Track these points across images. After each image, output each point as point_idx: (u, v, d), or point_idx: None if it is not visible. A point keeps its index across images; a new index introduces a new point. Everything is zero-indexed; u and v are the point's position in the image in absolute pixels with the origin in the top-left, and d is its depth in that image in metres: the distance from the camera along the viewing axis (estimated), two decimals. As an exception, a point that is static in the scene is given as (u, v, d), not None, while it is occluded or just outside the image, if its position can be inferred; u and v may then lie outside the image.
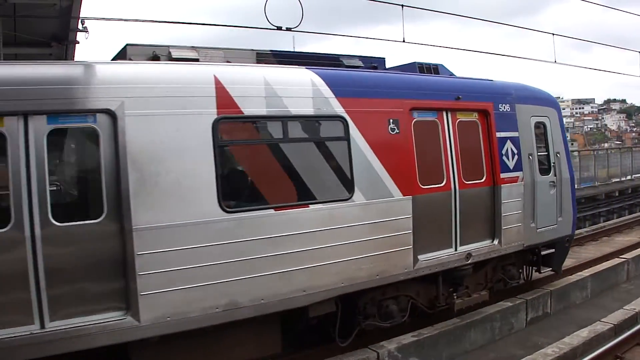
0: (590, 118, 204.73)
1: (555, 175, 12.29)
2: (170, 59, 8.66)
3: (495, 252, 11.05)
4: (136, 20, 11.77)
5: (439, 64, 11.69)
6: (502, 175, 11.04)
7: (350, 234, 8.92)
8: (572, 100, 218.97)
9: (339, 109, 9.03)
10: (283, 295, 8.28)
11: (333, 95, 9.02)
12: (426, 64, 11.46)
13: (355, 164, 9.08)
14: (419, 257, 9.78)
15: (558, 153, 12.45)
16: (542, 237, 12.01)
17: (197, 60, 8.77)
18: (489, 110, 11.06)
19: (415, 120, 9.96)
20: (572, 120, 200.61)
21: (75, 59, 17.63)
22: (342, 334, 9.55)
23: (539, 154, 12.08)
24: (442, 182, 10.25)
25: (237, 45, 9.95)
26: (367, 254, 9.10)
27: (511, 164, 11.26)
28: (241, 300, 7.94)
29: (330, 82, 9.09)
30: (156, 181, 7.40)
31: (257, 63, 9.45)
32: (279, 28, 11.47)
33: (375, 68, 10.96)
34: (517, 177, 11.37)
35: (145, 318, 7.24)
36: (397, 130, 9.58)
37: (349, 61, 10.58)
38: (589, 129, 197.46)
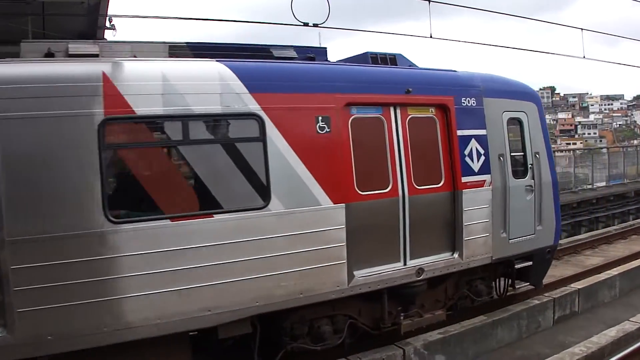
0: (620, 114, 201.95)
1: (532, 179, 11.04)
2: (67, 55, 7.74)
3: (455, 267, 9.86)
4: (160, 17, 11.82)
5: (397, 54, 10.36)
6: (464, 179, 9.84)
7: (265, 247, 7.88)
8: (601, 96, 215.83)
9: (253, 106, 7.98)
10: (184, 315, 7.38)
11: (246, 91, 7.97)
12: (381, 53, 10.13)
13: (273, 168, 8.02)
14: (356, 272, 8.67)
15: (537, 153, 11.15)
16: (516, 248, 10.77)
17: (97, 55, 7.81)
18: (448, 105, 9.79)
19: (353, 117, 8.82)
20: (601, 116, 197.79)
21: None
22: (270, 355, 8.67)
23: (513, 154, 10.87)
24: (387, 187, 9.07)
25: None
26: (288, 269, 8.04)
27: (476, 166, 10.04)
28: (133, 319, 7.11)
29: (243, 76, 8.01)
30: (33, 189, 6.74)
31: (170, 56, 8.48)
32: (306, 24, 11.43)
33: (312, 59, 9.58)
34: (484, 181, 10.14)
35: (22, 336, 6.59)
36: (327, 129, 8.45)
37: (279, 52, 9.28)
38: (617, 125, 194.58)
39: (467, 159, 9.93)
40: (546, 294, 11.80)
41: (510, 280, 11.59)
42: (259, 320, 8.21)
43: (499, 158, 10.45)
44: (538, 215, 11.09)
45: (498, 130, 10.53)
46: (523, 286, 12.11)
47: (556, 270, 15.00)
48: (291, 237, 8.10)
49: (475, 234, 10.00)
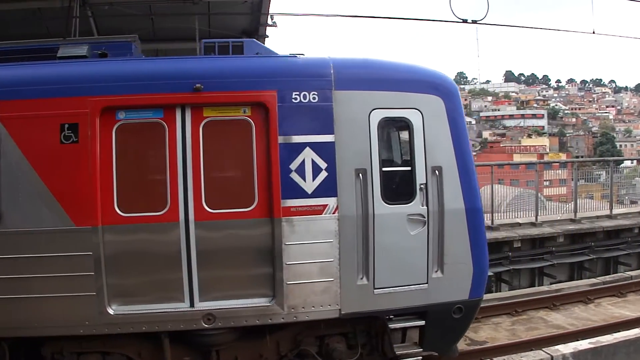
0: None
1: (425, 205, 8.10)
2: None
3: (272, 318, 7.76)
4: (321, 15, 11.98)
5: (248, 40, 8.80)
6: (288, 203, 7.68)
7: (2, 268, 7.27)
8: None
9: None
10: None
11: None
12: (221, 41, 8.55)
13: (4, 183, 7.28)
14: (114, 308, 7.47)
15: (437, 169, 8.12)
16: (388, 302, 8.05)
17: None
18: (267, 102, 7.70)
19: (120, 123, 7.57)
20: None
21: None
22: None
23: (387, 169, 8.19)
24: (163, 209, 7.56)
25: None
26: (26, 295, 7.31)
27: (310, 185, 7.75)
28: None
29: None
30: None
31: None
32: (464, 21, 11.18)
33: (104, 56, 8.23)
34: (324, 205, 7.78)
35: None
36: (74, 139, 7.35)
37: (67, 51, 8.17)
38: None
39: (295, 176, 7.71)
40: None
41: (381, 345, 8.59)
42: (9, 343, 7.64)
43: (358, 175, 7.88)
44: (436, 258, 8.14)
45: (359, 135, 7.95)
46: (413, 351, 8.46)
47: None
48: (29, 260, 7.28)
49: (308, 278, 7.77)
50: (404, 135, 8.30)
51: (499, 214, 20.55)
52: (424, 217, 8.06)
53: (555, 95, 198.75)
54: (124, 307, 7.50)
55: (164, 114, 7.60)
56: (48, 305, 7.30)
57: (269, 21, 17.13)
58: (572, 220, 20.60)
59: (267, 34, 17.83)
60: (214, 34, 17.20)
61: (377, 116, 7.99)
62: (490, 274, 17.00)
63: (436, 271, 8.13)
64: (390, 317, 8.20)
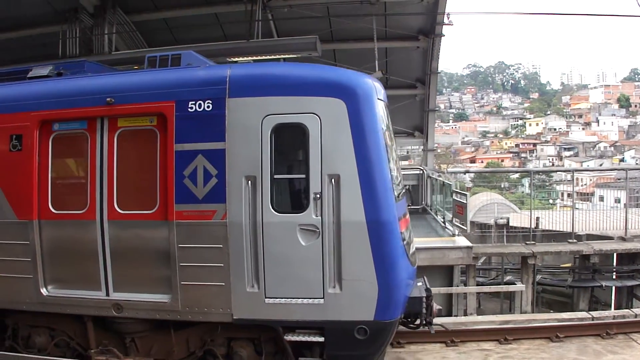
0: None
1: (318, 216, 7.65)
2: None
3: (169, 314, 8.09)
4: (499, 12, 11.68)
5: (185, 52, 8.87)
6: (180, 207, 7.88)
7: None
8: None
9: None
10: None
11: None
12: (162, 55, 8.87)
13: None
14: (48, 290, 8.52)
15: (334, 177, 7.62)
16: (281, 312, 7.82)
17: None
18: (165, 113, 7.99)
19: (55, 133, 8.55)
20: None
21: (441, 51, 18.46)
22: None
23: (279, 177, 7.89)
24: (84, 208, 8.34)
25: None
26: None
27: (201, 191, 7.85)
28: None
29: None
30: None
31: None
32: None
33: (60, 75, 9.22)
34: (213, 211, 7.81)
35: None
36: (19, 147, 8.58)
37: (35, 72, 9.25)
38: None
39: (188, 182, 7.86)
40: None
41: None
42: None
43: (247, 182, 7.74)
44: (333, 272, 7.64)
45: (250, 142, 7.80)
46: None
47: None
48: None
49: (200, 280, 7.92)
50: (302, 141, 7.78)
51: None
52: (317, 229, 7.61)
53: None
54: (55, 290, 8.53)
55: (88, 125, 8.40)
56: (1, 283, 8.70)
57: (445, 20, 17.07)
58: None
59: (443, 32, 17.78)
60: (390, 34, 17.51)
61: (270, 122, 7.75)
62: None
63: (333, 287, 7.62)
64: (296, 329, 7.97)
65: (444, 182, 16.79)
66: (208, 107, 7.84)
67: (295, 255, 7.64)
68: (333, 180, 7.53)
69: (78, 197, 8.41)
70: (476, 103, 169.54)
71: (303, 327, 7.82)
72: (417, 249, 12.22)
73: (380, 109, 7.97)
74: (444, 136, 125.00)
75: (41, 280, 8.48)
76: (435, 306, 8.85)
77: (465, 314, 13.65)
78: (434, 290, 12.67)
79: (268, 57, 15.06)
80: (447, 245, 13.16)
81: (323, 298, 7.60)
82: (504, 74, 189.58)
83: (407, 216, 8.72)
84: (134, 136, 8.30)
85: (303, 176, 7.71)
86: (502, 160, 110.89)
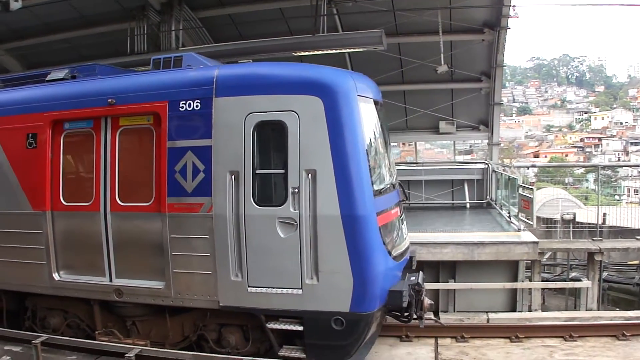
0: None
1: (296, 209, 7.94)
2: None
3: (163, 300, 8.73)
4: (567, 5, 11.55)
5: (186, 54, 9.43)
6: (172, 200, 8.46)
7: None
8: None
9: None
10: None
11: None
12: (166, 57, 9.53)
13: None
14: (60, 275, 9.36)
15: (312, 172, 7.88)
16: (262, 301, 8.19)
17: None
18: (159, 112, 8.62)
19: (66, 132, 9.39)
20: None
21: (506, 44, 18.22)
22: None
23: (262, 172, 8.21)
24: (91, 200, 9.10)
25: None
26: (4, 258, 9.65)
27: (190, 185, 8.39)
28: None
29: None
30: None
31: None
32: None
33: (74, 78, 9.97)
34: (200, 204, 8.33)
35: None
36: (34, 145, 9.42)
37: (52, 75, 10.04)
38: None
39: (178, 176, 8.44)
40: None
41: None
42: (3, 293, 10.09)
43: (231, 177, 8.19)
44: (310, 264, 7.93)
45: (234, 139, 8.22)
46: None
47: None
48: (8, 234, 9.55)
49: (190, 268, 8.49)
50: (281, 137, 8.09)
51: None
52: (295, 222, 7.94)
53: None
54: (66, 275, 9.33)
55: (94, 124, 9.13)
56: (17, 267, 9.56)
57: (511, 12, 16.85)
58: None
59: (508, 25, 17.54)
60: (455, 27, 17.41)
61: (252, 120, 8.15)
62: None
63: (311, 278, 7.94)
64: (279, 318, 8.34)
65: (509, 176, 16.62)
66: (197, 106, 8.38)
67: (275, 246, 8.03)
68: (310, 175, 7.86)
69: (85, 190, 9.17)
70: (540, 96, 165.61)
71: (284, 315, 8.20)
72: (481, 243, 12.69)
73: (363, 107, 8.26)
74: (506, 130, 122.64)
75: (54, 266, 9.32)
76: (427, 301, 9.01)
77: (530, 310, 13.50)
78: (498, 285, 12.85)
79: (333, 51, 15.21)
80: (513, 240, 12.96)
81: (301, 288, 7.97)
82: (569, 67, 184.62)
83: (395, 210, 8.99)
84: (133, 134, 9.00)
85: (282, 171, 8.05)
86: (566, 155, 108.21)
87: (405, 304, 8.24)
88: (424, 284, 9.38)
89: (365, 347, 8.72)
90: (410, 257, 9.77)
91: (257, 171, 8.14)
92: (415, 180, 20.75)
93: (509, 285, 13.14)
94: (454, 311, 13.03)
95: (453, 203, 20.81)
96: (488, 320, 11.95)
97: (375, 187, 8.18)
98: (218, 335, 8.87)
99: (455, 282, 13.18)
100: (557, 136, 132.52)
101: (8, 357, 8.53)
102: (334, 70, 8.47)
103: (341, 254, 7.77)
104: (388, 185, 8.96)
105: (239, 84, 8.36)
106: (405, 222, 9.76)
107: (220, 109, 8.27)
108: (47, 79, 10.00)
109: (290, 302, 8.05)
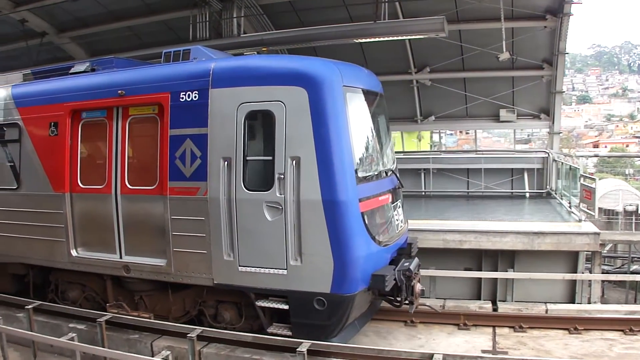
0: None
1: (282, 194, 8.38)
2: None
3: (165, 276, 9.45)
4: None
5: (193, 47, 10.04)
6: (172, 184, 9.11)
7: (17, 217, 10.68)
8: None
9: (17, 117, 10.76)
10: None
11: (15, 106, 10.82)
12: (176, 50, 10.13)
13: (23, 161, 10.67)
14: (78, 252, 10.17)
15: (296, 159, 8.31)
16: (251, 280, 8.74)
17: None
18: (162, 102, 9.26)
19: (84, 121, 10.17)
20: None
21: (569, 31, 17.82)
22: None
23: (252, 159, 8.73)
24: (104, 183, 9.87)
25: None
26: (32, 236, 10.51)
27: (188, 170, 9.01)
28: None
29: (15, 95, 10.90)
30: None
31: (24, 81, 11.59)
32: None
33: (94, 70, 10.78)
34: (197, 188, 8.93)
35: None
36: (56, 133, 10.23)
37: (76, 67, 10.96)
38: None
39: (178, 162, 9.06)
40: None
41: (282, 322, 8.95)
42: (30, 268, 11.11)
43: (224, 163, 8.73)
44: (294, 246, 8.38)
45: (227, 127, 8.75)
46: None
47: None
48: (33, 213, 10.45)
49: (188, 247, 9.10)
50: (269, 126, 8.54)
51: None
52: (281, 205, 8.38)
53: None
54: (83, 252, 10.16)
55: (107, 114, 9.88)
56: (41, 244, 10.47)
57: (575, -1, 16.49)
58: None
59: (571, 11, 17.16)
60: (516, 13, 17.14)
61: (244, 110, 8.64)
62: None
63: (295, 259, 8.37)
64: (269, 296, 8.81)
65: (570, 166, 16.34)
66: (195, 97, 8.95)
67: (262, 228, 8.50)
68: (294, 162, 8.29)
69: (99, 174, 9.91)
70: (600, 85, 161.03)
71: (272, 294, 8.69)
72: (542, 232, 12.64)
73: (350, 97, 8.69)
74: (565, 119, 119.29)
75: (72, 243, 10.17)
76: (419, 287, 9.40)
77: (589, 302, 13.32)
78: (557, 276, 12.70)
79: (394, 38, 15.20)
80: (574, 231, 12.87)
81: (286, 269, 8.41)
82: (631, 54, 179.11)
83: (385, 197, 9.32)
84: (141, 123, 9.72)
85: (270, 158, 8.50)
86: (627, 146, 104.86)
87: (387, 288, 8.53)
88: (419, 270, 9.88)
89: (353, 327, 9.20)
90: (410, 244, 10.26)
91: (248, 158, 8.66)
92: (475, 169, 20.76)
93: (569, 276, 13.00)
94: (512, 301, 12.98)
95: (512, 192, 20.67)
96: (547, 311, 11.80)
97: (360, 174, 8.59)
98: (215, 312, 9.56)
99: (514, 271, 13.13)
100: (617, 126, 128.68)
101: (74, 334, 8.96)
102: (320, 62, 8.98)
103: (322, 237, 8.19)
104: (378, 172, 9.32)
105: (232, 76, 8.88)
106: (401, 209, 10.09)
107: (215, 99, 8.83)
108: (70, 71, 10.91)
109: (276, 281, 8.52)
